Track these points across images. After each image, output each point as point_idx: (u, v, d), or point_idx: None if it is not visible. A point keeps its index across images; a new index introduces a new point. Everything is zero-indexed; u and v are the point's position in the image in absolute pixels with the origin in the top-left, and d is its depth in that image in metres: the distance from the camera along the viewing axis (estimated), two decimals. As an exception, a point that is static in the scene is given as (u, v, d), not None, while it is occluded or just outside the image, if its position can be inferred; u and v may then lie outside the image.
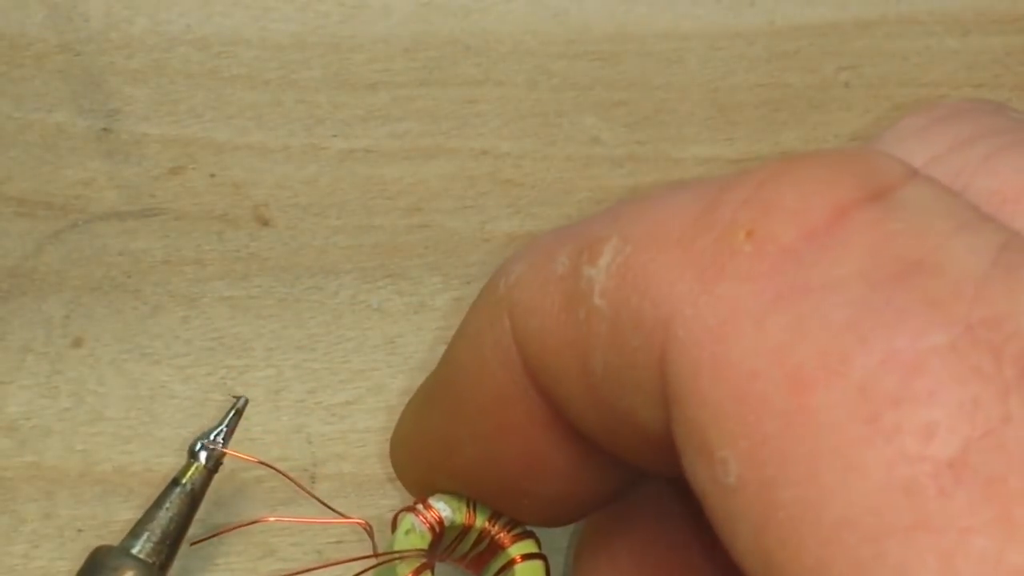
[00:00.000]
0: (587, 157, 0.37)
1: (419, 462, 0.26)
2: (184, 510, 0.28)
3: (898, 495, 0.16)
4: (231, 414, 0.29)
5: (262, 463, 0.29)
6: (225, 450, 0.28)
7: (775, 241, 0.18)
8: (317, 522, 0.30)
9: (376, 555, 0.26)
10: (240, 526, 0.30)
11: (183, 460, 0.33)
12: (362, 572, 0.26)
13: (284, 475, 0.28)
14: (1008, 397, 0.16)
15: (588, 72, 0.38)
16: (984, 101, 0.21)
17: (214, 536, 0.28)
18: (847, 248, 0.18)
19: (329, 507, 0.28)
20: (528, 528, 0.27)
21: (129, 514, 0.32)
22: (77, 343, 0.34)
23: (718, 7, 0.38)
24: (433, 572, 0.26)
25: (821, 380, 0.17)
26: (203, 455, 0.28)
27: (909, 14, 0.39)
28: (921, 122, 0.21)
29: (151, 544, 0.27)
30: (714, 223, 0.19)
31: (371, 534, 0.27)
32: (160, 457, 0.33)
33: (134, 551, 0.27)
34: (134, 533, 0.28)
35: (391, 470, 0.32)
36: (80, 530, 0.32)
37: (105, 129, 0.36)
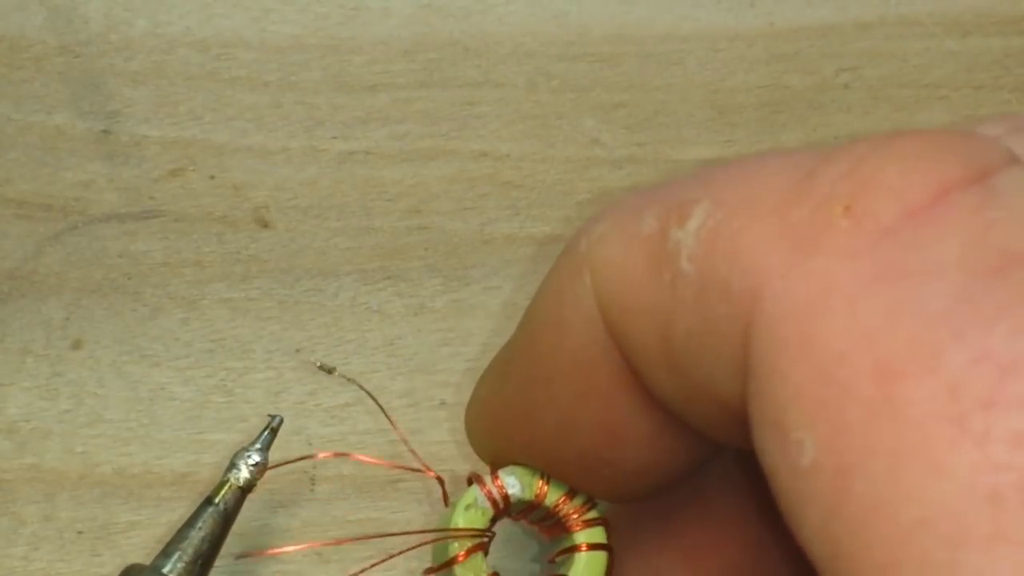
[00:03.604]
0: (587, 159, 0.37)
1: (495, 431, 0.25)
2: (217, 530, 0.28)
3: (980, 502, 0.15)
4: (266, 433, 0.29)
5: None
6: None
7: (874, 218, 0.17)
8: (390, 465, 0.30)
9: (434, 530, 0.26)
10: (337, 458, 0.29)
11: (183, 462, 0.33)
12: (418, 545, 0.26)
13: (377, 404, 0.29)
14: None
15: (588, 74, 0.38)
16: None
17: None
18: (948, 232, 0.17)
19: (411, 452, 0.28)
20: (600, 515, 0.26)
21: (129, 516, 0.33)
22: (77, 345, 0.34)
23: (718, 9, 0.38)
24: (487, 554, 0.26)
25: (911, 373, 0.16)
26: (242, 472, 0.28)
27: (909, 16, 0.39)
28: (999, 131, 0.20)
29: (183, 564, 0.27)
30: (811, 194, 0.18)
31: (443, 486, 0.27)
32: (160, 459, 0.33)
33: (166, 571, 0.27)
34: (166, 552, 0.27)
35: (391, 472, 0.33)
36: (80, 532, 0.32)
37: (105, 131, 0.36)
